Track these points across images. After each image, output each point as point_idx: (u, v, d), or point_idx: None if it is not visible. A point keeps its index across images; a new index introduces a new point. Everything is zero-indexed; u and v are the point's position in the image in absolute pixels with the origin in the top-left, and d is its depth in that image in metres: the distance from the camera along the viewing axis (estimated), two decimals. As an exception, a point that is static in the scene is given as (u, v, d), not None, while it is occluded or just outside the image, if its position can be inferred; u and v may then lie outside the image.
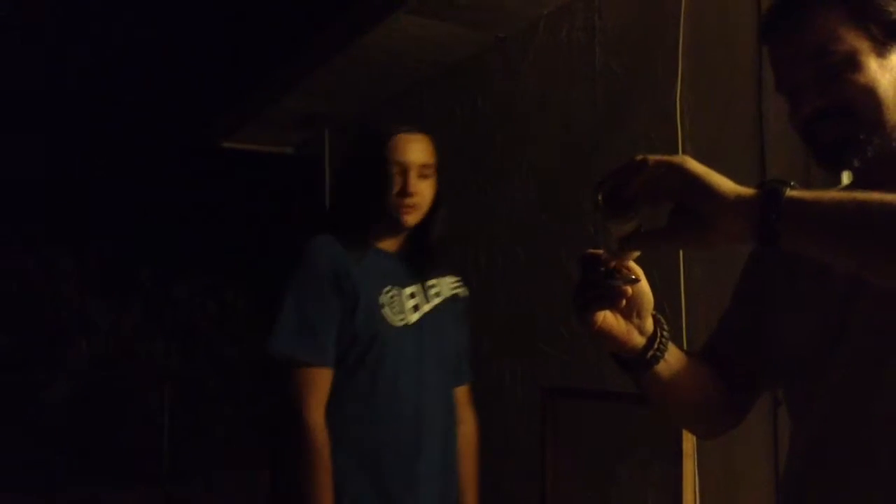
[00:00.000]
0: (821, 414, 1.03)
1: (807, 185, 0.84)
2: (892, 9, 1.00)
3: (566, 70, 2.81)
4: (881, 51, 0.99)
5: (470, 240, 3.18)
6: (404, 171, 1.90)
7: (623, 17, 2.58)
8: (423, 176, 1.92)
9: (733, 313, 1.21)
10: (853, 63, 0.98)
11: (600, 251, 0.96)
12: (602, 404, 2.53)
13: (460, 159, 3.20)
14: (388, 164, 1.89)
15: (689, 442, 2.14)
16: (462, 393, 2.09)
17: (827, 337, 1.02)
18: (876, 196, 0.79)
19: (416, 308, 1.95)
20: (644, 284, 0.99)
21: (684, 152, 2.19)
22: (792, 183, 0.81)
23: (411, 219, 1.92)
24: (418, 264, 1.99)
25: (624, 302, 0.97)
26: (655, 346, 1.03)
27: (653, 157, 0.83)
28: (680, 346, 1.09)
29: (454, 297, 2.06)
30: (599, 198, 0.86)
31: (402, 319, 1.91)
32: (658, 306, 1.03)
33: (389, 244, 1.99)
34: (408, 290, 1.96)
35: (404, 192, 1.89)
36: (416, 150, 1.92)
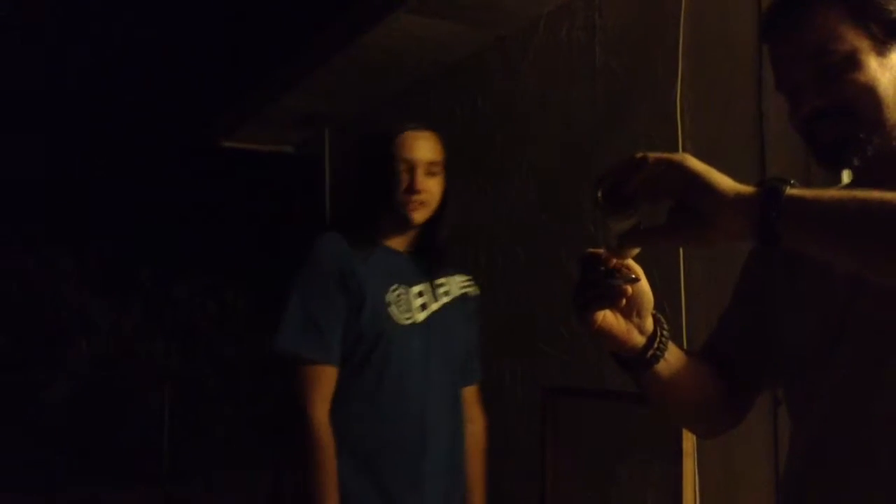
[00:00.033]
0: (821, 414, 1.02)
1: (807, 184, 0.84)
2: (892, 7, 1.00)
3: (566, 69, 2.81)
4: (881, 50, 0.99)
5: (470, 240, 3.18)
6: (412, 168, 1.89)
7: (623, 16, 2.58)
8: (430, 173, 1.91)
9: (733, 312, 1.21)
10: (853, 62, 0.98)
11: (600, 250, 0.96)
12: (602, 404, 2.53)
13: (460, 159, 3.20)
14: (395, 161, 1.89)
15: (689, 441, 2.14)
16: (470, 393, 2.08)
17: (827, 337, 1.01)
18: (876, 194, 0.79)
19: (423, 307, 1.94)
20: (644, 284, 0.99)
21: (684, 151, 2.19)
22: (792, 181, 0.81)
23: (419, 216, 1.91)
24: (427, 263, 1.98)
25: (624, 301, 0.97)
26: (655, 345, 1.03)
27: (653, 155, 0.83)
28: (680, 346, 1.09)
29: (464, 296, 2.05)
30: (599, 194, 0.86)
31: (408, 318, 1.90)
32: (658, 305, 1.03)
33: (398, 242, 1.98)
34: (415, 289, 1.95)
35: (411, 189, 1.88)
36: (424, 147, 1.92)
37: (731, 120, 2.19)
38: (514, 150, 3.07)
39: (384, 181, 1.89)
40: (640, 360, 1.03)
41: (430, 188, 1.91)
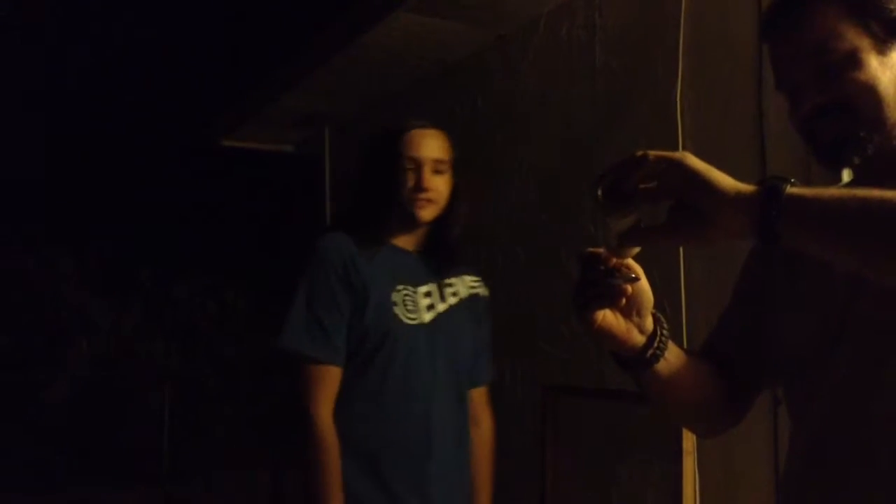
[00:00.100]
0: (821, 414, 1.02)
1: (807, 183, 0.84)
2: (892, 6, 0.99)
3: (566, 69, 2.81)
4: (881, 48, 0.99)
5: (470, 239, 3.18)
6: (418, 166, 1.88)
7: (623, 15, 2.58)
8: (437, 171, 1.90)
9: (733, 312, 1.21)
10: (853, 60, 0.98)
11: (600, 250, 0.96)
12: (602, 403, 2.53)
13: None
14: (401, 159, 1.88)
15: (689, 440, 2.14)
16: (479, 394, 2.06)
17: (827, 336, 1.01)
18: (876, 193, 0.79)
19: (430, 307, 1.92)
20: (644, 283, 0.99)
21: (684, 151, 2.19)
22: (792, 180, 0.81)
23: (426, 214, 1.90)
24: (436, 262, 1.97)
25: (624, 300, 0.97)
26: (655, 344, 1.03)
27: (653, 153, 0.82)
28: (680, 345, 1.09)
29: (473, 297, 2.03)
30: (599, 193, 0.86)
31: (414, 318, 1.88)
32: (658, 305, 1.03)
33: (406, 241, 1.96)
34: (423, 289, 1.93)
35: (418, 187, 1.87)
36: (431, 145, 1.91)
37: (731, 119, 2.19)
38: (514, 149, 3.07)
39: (391, 179, 1.88)
40: (639, 360, 1.03)
41: (437, 186, 1.90)
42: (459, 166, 1.98)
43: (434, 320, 1.91)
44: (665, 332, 1.04)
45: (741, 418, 1.19)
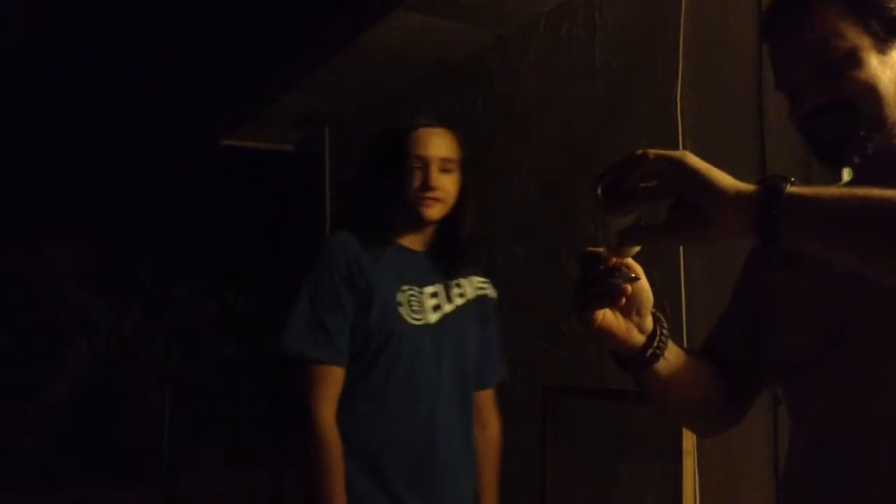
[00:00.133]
0: (821, 413, 1.02)
1: (808, 182, 0.84)
2: (892, 5, 0.99)
3: (566, 68, 2.81)
4: (882, 47, 0.99)
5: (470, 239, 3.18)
6: (425, 164, 1.86)
7: (624, 15, 2.58)
8: (444, 170, 1.88)
9: (733, 311, 1.21)
10: (854, 59, 0.98)
11: (600, 249, 0.96)
12: (602, 402, 2.53)
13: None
14: (408, 158, 1.86)
15: (689, 440, 2.14)
16: (486, 397, 2.04)
17: (827, 336, 1.01)
18: (876, 192, 0.79)
19: (436, 308, 1.90)
20: (644, 282, 0.98)
21: (685, 150, 2.19)
22: (792, 179, 0.81)
23: (432, 213, 1.88)
24: (444, 263, 1.95)
25: (623, 300, 0.97)
26: (655, 344, 1.03)
27: (653, 152, 0.82)
28: (680, 344, 1.09)
29: (481, 298, 2.00)
30: (599, 191, 0.86)
31: (420, 318, 1.86)
32: (658, 304, 1.03)
33: (414, 241, 1.94)
34: (429, 289, 1.91)
35: (425, 186, 1.85)
36: (438, 143, 1.89)
37: (731, 119, 2.18)
38: (514, 149, 3.07)
39: (397, 178, 1.86)
40: (639, 359, 1.03)
41: (444, 185, 1.88)
42: (467, 165, 1.95)
43: (440, 321, 1.89)
44: (665, 331, 1.04)
45: (741, 418, 1.19)
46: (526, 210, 2.98)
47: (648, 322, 1.02)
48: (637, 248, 0.93)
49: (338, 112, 4.37)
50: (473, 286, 2.00)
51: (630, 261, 0.96)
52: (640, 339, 1.02)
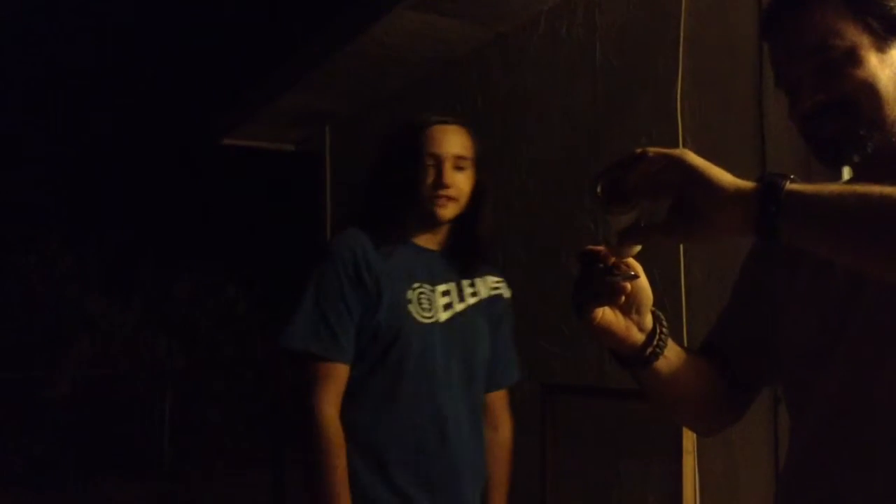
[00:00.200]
0: (820, 413, 1.02)
1: (807, 180, 0.84)
2: (891, 3, 0.99)
3: (567, 66, 2.81)
4: (881, 45, 0.99)
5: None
6: (438, 162, 1.83)
7: (624, 13, 2.57)
8: (458, 168, 1.85)
9: (733, 310, 1.20)
10: (853, 58, 0.98)
11: (600, 247, 0.95)
12: (602, 401, 2.53)
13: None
14: (421, 155, 1.83)
15: (689, 439, 2.14)
16: (498, 398, 2.02)
17: (827, 335, 1.01)
18: (876, 189, 0.78)
19: (448, 306, 1.88)
20: (643, 280, 0.98)
21: (685, 148, 2.19)
22: (792, 176, 0.81)
23: (446, 212, 1.85)
24: (459, 262, 1.92)
25: (623, 298, 0.97)
26: (655, 342, 1.02)
27: (652, 150, 0.82)
28: (680, 343, 1.09)
29: (494, 298, 1.98)
30: (599, 190, 0.85)
31: (430, 317, 1.84)
32: (659, 303, 1.03)
33: (428, 240, 1.91)
34: (441, 288, 1.88)
35: (438, 184, 1.82)
36: (452, 141, 1.86)
37: (731, 117, 2.18)
38: (513, 148, 3.06)
39: (411, 176, 1.83)
40: (639, 358, 1.03)
41: (458, 183, 1.84)
42: (483, 163, 1.92)
43: (450, 319, 1.87)
44: (665, 329, 1.04)
45: (741, 416, 1.19)
46: (526, 209, 2.98)
47: (648, 320, 1.02)
48: (637, 247, 0.93)
49: (338, 111, 4.37)
50: (487, 286, 1.98)
51: (630, 259, 0.96)
52: (639, 337, 1.02)
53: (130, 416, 9.01)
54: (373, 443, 1.80)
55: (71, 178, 13.36)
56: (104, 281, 9.99)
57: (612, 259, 0.95)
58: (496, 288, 2.00)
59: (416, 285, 1.85)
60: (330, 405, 1.78)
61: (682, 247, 2.24)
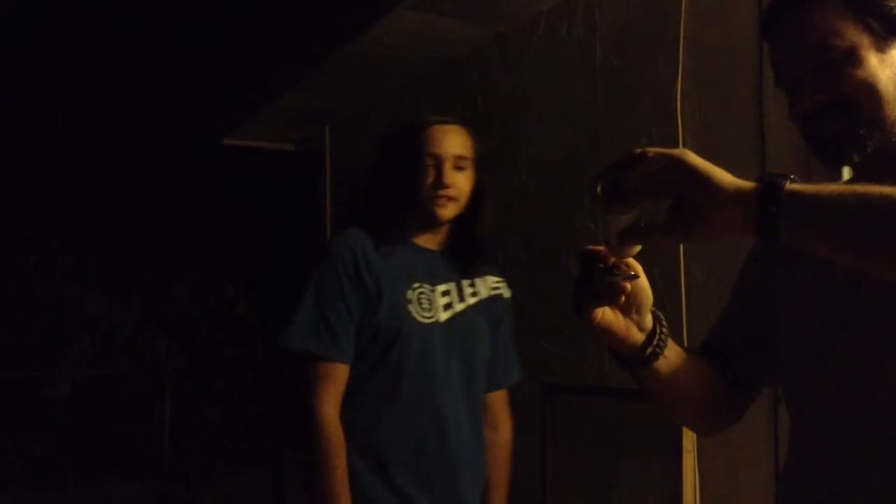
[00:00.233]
0: (820, 412, 1.02)
1: (807, 180, 0.84)
2: (891, 3, 0.99)
3: (567, 66, 2.81)
4: (881, 45, 0.99)
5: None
6: (438, 162, 1.83)
7: (624, 13, 2.57)
8: (458, 168, 1.84)
9: (733, 310, 1.20)
10: (853, 58, 0.98)
11: (600, 247, 0.95)
12: (602, 401, 2.53)
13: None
14: (421, 155, 1.83)
15: (689, 439, 2.14)
16: (498, 398, 2.02)
17: (827, 335, 1.01)
18: (876, 189, 0.78)
19: (448, 306, 1.88)
20: (643, 280, 0.98)
21: (685, 148, 2.19)
22: (792, 176, 0.81)
23: (446, 212, 1.85)
24: (459, 262, 1.92)
25: (623, 298, 0.97)
26: (654, 342, 1.02)
27: (652, 150, 0.82)
28: (680, 343, 1.09)
29: (494, 298, 1.98)
30: (598, 190, 0.85)
31: (430, 317, 1.84)
32: (658, 303, 1.03)
33: (428, 240, 1.91)
34: (441, 288, 1.88)
35: (438, 184, 1.82)
36: (452, 141, 1.86)
37: (731, 117, 2.18)
38: (514, 148, 3.06)
39: (411, 176, 1.83)
40: (639, 357, 1.03)
41: (458, 183, 1.84)
42: (483, 163, 1.92)
43: (450, 319, 1.87)
44: (664, 329, 1.04)
45: (741, 416, 1.19)
46: (526, 209, 2.98)
47: (648, 320, 1.02)
48: (637, 247, 0.93)
49: (338, 110, 4.37)
50: (488, 286, 1.98)
51: (630, 259, 0.96)
52: (639, 337, 1.02)
53: (130, 416, 9.01)
54: (373, 443, 1.80)
55: (71, 178, 13.36)
56: (104, 281, 9.99)
57: (612, 259, 0.95)
58: (496, 288, 2.00)
59: (416, 285, 1.85)
60: (330, 405, 1.77)
61: (682, 247, 2.24)
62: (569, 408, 2.67)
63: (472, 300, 1.93)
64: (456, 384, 1.87)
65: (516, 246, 3.02)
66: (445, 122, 1.89)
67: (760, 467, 2.04)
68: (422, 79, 3.66)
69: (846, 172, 1.10)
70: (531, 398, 2.77)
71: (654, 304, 1.02)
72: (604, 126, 2.63)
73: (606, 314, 0.98)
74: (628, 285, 0.96)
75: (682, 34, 2.29)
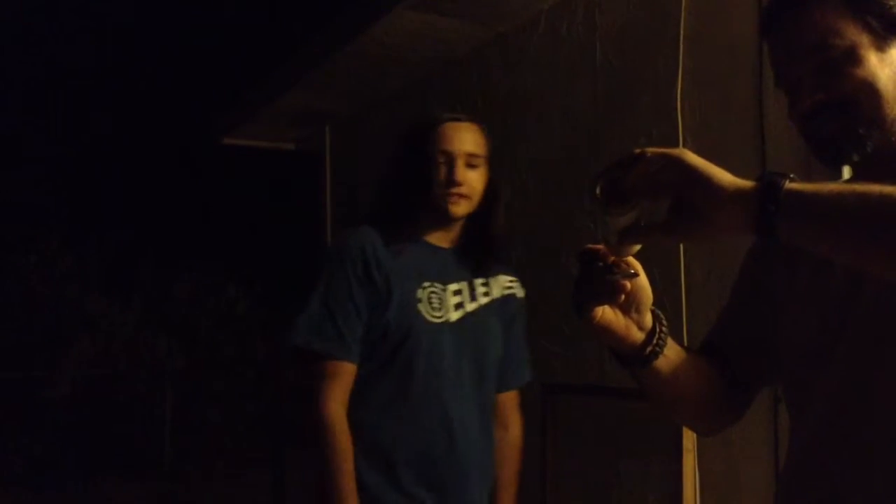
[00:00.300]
0: (820, 412, 1.02)
1: (807, 180, 0.84)
2: (891, 2, 0.99)
3: (567, 66, 2.81)
4: (881, 45, 0.99)
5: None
6: (450, 159, 1.81)
7: (624, 13, 2.57)
8: (470, 165, 1.83)
9: (732, 309, 1.20)
10: (853, 57, 0.98)
11: (600, 246, 0.95)
12: (603, 400, 2.53)
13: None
14: (433, 152, 1.82)
15: (689, 438, 2.14)
16: (509, 398, 2.00)
17: (827, 334, 1.01)
18: (876, 188, 0.78)
19: (459, 306, 1.86)
20: (643, 279, 0.98)
21: (685, 147, 2.19)
22: (791, 175, 0.81)
23: (458, 210, 1.83)
24: (471, 260, 1.91)
25: (623, 297, 0.97)
26: (654, 341, 1.02)
27: (651, 150, 0.82)
28: (680, 342, 1.09)
29: (507, 298, 1.96)
30: (598, 190, 0.85)
31: (440, 316, 1.82)
32: (658, 302, 1.03)
33: (440, 238, 1.90)
34: (452, 287, 1.87)
35: (450, 182, 1.80)
36: (464, 138, 1.84)
37: (731, 117, 2.18)
38: (514, 148, 3.06)
39: (423, 174, 1.82)
40: (639, 356, 1.03)
41: (470, 181, 1.83)
42: (496, 161, 1.91)
43: (461, 319, 1.86)
44: (664, 328, 1.04)
45: (741, 416, 1.19)
46: (526, 209, 2.98)
47: (648, 319, 1.02)
48: (637, 247, 0.93)
49: (338, 111, 4.37)
50: (500, 285, 1.96)
51: (630, 258, 0.96)
52: (639, 336, 1.02)
53: (130, 416, 9.01)
54: (380, 443, 1.79)
55: (71, 178, 13.36)
56: (104, 281, 9.99)
57: (612, 258, 0.95)
58: (509, 287, 1.98)
59: (426, 284, 1.84)
60: (337, 403, 1.77)
61: (682, 247, 2.24)
62: (569, 407, 2.67)
63: (484, 300, 1.92)
64: (466, 384, 1.85)
65: (516, 246, 3.02)
66: (458, 120, 1.88)
67: (760, 467, 2.04)
68: (422, 79, 3.66)
69: (846, 172, 1.10)
70: (532, 398, 2.77)
71: (653, 303, 1.02)
72: (604, 126, 2.63)
73: (606, 313, 0.98)
74: (628, 284, 0.96)
75: (682, 34, 2.29)
